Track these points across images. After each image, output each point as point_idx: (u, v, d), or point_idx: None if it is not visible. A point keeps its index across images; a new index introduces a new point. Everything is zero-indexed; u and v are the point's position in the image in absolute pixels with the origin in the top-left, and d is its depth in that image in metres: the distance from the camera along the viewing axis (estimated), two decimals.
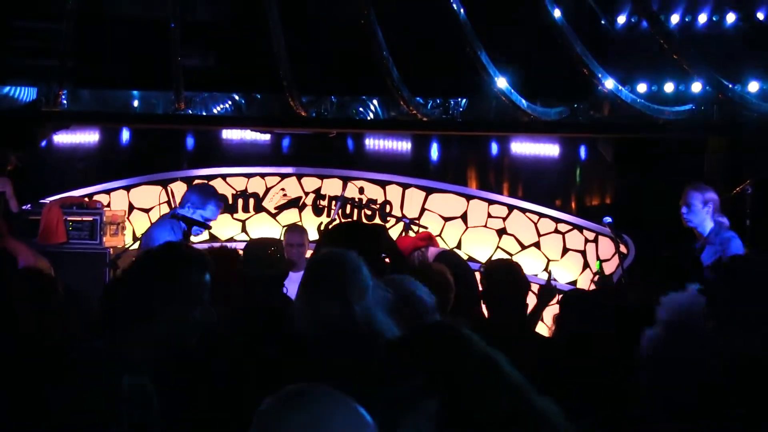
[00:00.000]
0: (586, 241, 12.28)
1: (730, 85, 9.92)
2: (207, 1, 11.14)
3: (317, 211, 12.24)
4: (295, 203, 12.30)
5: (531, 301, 7.23)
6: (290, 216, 12.22)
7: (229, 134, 12.41)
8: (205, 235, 10.98)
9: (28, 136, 11.60)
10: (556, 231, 12.33)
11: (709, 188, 9.16)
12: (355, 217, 12.06)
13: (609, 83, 10.06)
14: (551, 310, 7.05)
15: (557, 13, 9.97)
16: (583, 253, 12.26)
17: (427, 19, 10.68)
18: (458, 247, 11.84)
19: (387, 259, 6.84)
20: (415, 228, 10.76)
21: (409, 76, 10.11)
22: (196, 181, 11.56)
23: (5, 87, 10.95)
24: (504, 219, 12.31)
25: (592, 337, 5.51)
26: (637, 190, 11.86)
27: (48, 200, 10.73)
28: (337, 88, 11.19)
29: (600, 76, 10.02)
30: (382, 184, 12.28)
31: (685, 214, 9.15)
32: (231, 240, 11.91)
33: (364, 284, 4.80)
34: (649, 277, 7.32)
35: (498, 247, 12.25)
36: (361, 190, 12.12)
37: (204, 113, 11.51)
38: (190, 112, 11.23)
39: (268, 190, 12.29)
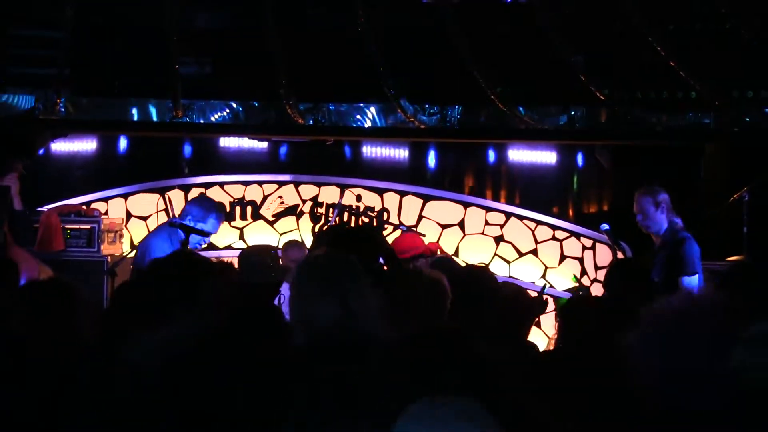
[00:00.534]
0: (584, 248, 12.29)
1: (729, 92, 9.95)
2: (205, 10, 11.13)
3: (315, 219, 12.24)
4: (292, 211, 12.29)
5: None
6: (288, 224, 12.23)
7: (227, 142, 12.41)
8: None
9: (26, 145, 11.60)
10: (554, 238, 12.34)
11: (660, 189, 9.14)
12: (352, 225, 12.06)
13: (606, 90, 10.08)
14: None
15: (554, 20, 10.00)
16: (581, 260, 12.27)
17: (424, 27, 10.71)
18: (456, 254, 11.83)
19: (384, 266, 6.86)
20: None
21: (406, 84, 10.12)
22: (194, 190, 11.60)
23: (3, 95, 10.96)
24: (501, 226, 12.32)
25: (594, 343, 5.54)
26: (634, 197, 11.87)
27: (46, 208, 10.74)
28: (335, 96, 11.19)
29: (598, 82, 10.04)
30: (380, 191, 12.28)
31: (642, 221, 9.10)
32: (229, 248, 11.90)
33: (362, 286, 4.80)
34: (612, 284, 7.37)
35: (495, 254, 12.25)
36: (359, 198, 12.14)
37: (202, 121, 11.52)
38: (187, 120, 11.23)
39: (265, 197, 12.29)
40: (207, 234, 9.32)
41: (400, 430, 2.54)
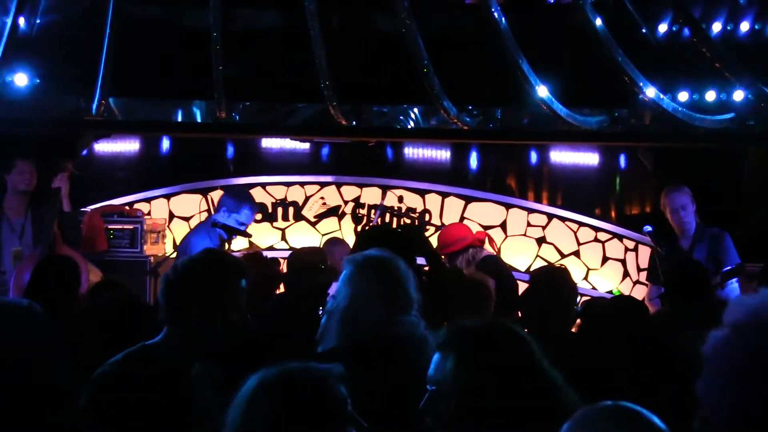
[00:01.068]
0: (626, 249, 12.24)
1: None
2: (248, 10, 11.15)
3: (356, 220, 12.25)
4: (334, 212, 12.31)
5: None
6: (329, 224, 12.24)
7: (269, 143, 12.44)
8: (245, 244, 11.04)
9: (70, 146, 11.66)
10: (596, 240, 12.30)
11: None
12: (394, 226, 12.05)
13: (650, 91, 10.03)
14: None
15: (598, 21, 9.95)
16: (623, 261, 12.23)
17: (468, 28, 10.69)
18: (498, 255, 11.81)
19: (426, 266, 6.85)
20: None
21: (449, 85, 10.10)
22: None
23: (47, 96, 11.01)
24: (543, 227, 12.29)
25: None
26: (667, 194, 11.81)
27: (89, 209, 10.79)
28: (377, 97, 11.19)
29: (641, 84, 9.99)
30: (422, 192, 12.28)
31: (684, 217, 9.42)
32: (271, 248, 11.93)
33: (412, 286, 4.81)
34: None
35: (537, 255, 12.23)
36: (401, 199, 12.14)
37: (244, 122, 11.54)
38: (230, 121, 11.25)
39: (307, 198, 12.31)
40: (246, 231, 9.40)
41: None
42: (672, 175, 11.67)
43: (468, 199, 12.26)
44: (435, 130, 11.44)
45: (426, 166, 12.47)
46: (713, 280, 8.37)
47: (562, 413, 2.77)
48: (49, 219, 9.50)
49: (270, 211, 12.20)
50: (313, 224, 12.30)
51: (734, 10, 10.49)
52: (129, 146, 12.44)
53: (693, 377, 2.77)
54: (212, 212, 10.86)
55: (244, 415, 2.99)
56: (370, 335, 4.69)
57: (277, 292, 8.08)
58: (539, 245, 12.26)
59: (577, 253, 12.25)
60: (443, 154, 12.52)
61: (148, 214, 11.60)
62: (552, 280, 6.75)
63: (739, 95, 10.26)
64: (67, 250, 9.18)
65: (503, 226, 12.25)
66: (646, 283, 10.74)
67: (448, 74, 10.10)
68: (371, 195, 12.26)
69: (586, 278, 12.14)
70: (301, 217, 12.30)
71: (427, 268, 6.81)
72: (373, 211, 12.10)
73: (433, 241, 9.40)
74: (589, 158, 12.40)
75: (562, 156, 12.41)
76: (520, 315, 7.15)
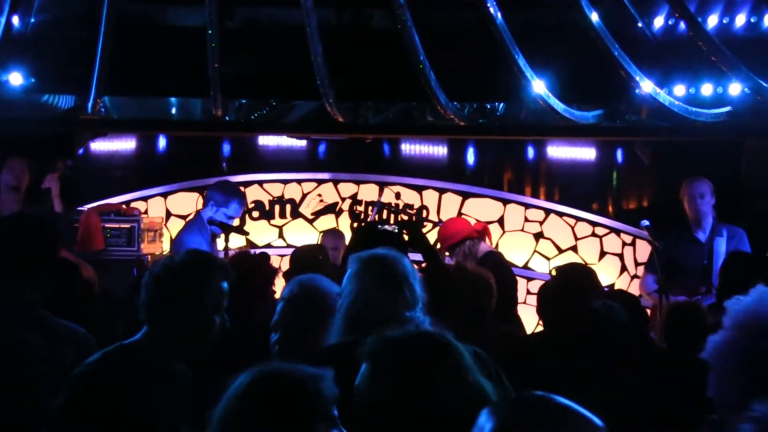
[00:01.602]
0: (624, 244, 12.25)
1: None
2: (244, 8, 11.13)
3: (354, 217, 12.25)
4: (331, 209, 12.31)
5: None
6: (327, 221, 12.23)
7: (266, 140, 12.43)
8: (242, 241, 11.04)
9: (65, 144, 11.64)
10: (594, 234, 12.30)
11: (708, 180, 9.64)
12: (392, 222, 12.05)
13: (646, 86, 10.01)
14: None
15: (594, 15, 9.93)
16: (621, 256, 12.23)
17: (463, 24, 10.67)
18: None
19: (424, 263, 6.84)
20: None
21: (446, 81, 10.08)
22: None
23: (43, 95, 11.00)
24: (541, 223, 12.29)
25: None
26: (674, 192, 11.80)
27: (86, 207, 10.77)
28: (374, 94, 11.17)
29: (637, 78, 9.97)
30: (419, 189, 12.28)
31: (701, 205, 9.36)
32: (268, 246, 11.92)
33: (418, 284, 4.79)
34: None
35: (535, 251, 12.22)
36: (398, 196, 12.14)
37: (241, 120, 11.53)
38: (227, 118, 11.24)
39: (304, 195, 12.30)
40: (243, 229, 9.42)
41: None
42: (669, 169, 11.69)
43: (465, 195, 12.26)
44: (432, 127, 11.43)
45: (423, 162, 12.47)
46: None
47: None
48: None
49: (267, 208, 12.20)
50: (311, 222, 12.29)
51: (730, 3, 10.47)
52: (125, 145, 12.43)
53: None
54: None
55: (226, 415, 3.00)
56: (375, 332, 4.68)
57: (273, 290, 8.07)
58: (537, 241, 12.26)
59: (574, 248, 12.25)
60: (440, 151, 12.52)
61: (145, 212, 11.61)
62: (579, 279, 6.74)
63: (735, 89, 10.24)
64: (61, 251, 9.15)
65: (501, 221, 12.25)
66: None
67: (445, 70, 10.07)
68: (368, 192, 12.25)
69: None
70: (299, 214, 12.30)
71: (424, 265, 6.80)
72: (370, 207, 12.10)
73: (431, 237, 9.39)
74: (586, 153, 12.41)
75: (559, 151, 12.42)
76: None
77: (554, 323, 6.21)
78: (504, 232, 12.23)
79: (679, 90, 10.49)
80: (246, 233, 10.01)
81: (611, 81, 10.21)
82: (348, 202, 12.30)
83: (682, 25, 10.30)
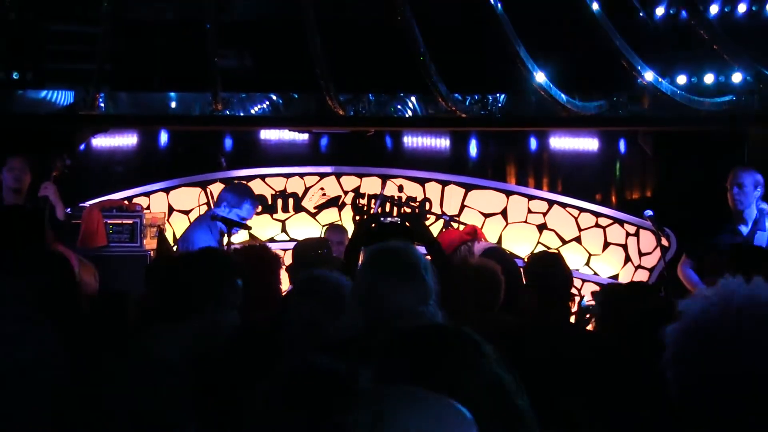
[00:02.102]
0: (627, 234, 12.22)
1: None
2: (243, 2, 11.11)
3: (357, 210, 12.22)
4: (334, 202, 12.29)
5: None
6: (330, 215, 12.21)
7: (267, 135, 12.41)
8: (245, 236, 11.01)
9: (66, 141, 11.61)
10: (597, 225, 12.27)
11: (758, 172, 9.04)
12: (395, 215, 12.03)
13: (648, 75, 9.99)
14: None
15: (595, 5, 9.90)
16: (625, 246, 12.20)
17: (464, 15, 10.64)
18: (499, 243, 11.78)
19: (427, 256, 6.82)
20: (455, 225, 10.71)
21: (446, 73, 10.06)
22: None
23: (43, 91, 10.97)
24: (544, 214, 12.27)
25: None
26: (678, 182, 11.79)
27: (88, 204, 10.74)
28: (375, 86, 11.14)
29: (639, 68, 9.94)
30: (422, 181, 12.25)
31: (737, 195, 8.95)
32: (271, 240, 11.90)
33: (430, 277, 4.77)
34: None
35: (539, 242, 12.20)
36: (401, 188, 12.11)
37: (242, 114, 11.50)
38: (227, 113, 11.21)
39: (307, 189, 12.28)
40: (246, 223, 9.38)
41: None
42: (672, 159, 11.67)
43: (468, 187, 12.23)
44: (433, 119, 11.39)
45: (425, 154, 12.44)
46: None
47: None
48: None
49: (270, 202, 12.18)
50: (314, 215, 12.27)
51: None
52: (127, 140, 12.40)
53: None
54: (212, 205, 10.83)
55: (264, 408, 3.00)
56: (389, 325, 4.65)
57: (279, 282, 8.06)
58: (540, 232, 12.23)
59: (578, 239, 12.22)
60: (443, 143, 12.49)
61: (147, 208, 11.56)
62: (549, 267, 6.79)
63: (737, 77, 10.21)
64: (62, 248, 9.13)
65: (504, 213, 12.22)
66: (648, 267, 10.69)
67: (446, 61, 10.05)
68: (371, 185, 12.23)
69: (587, 264, 12.11)
70: (301, 208, 12.28)
71: (428, 257, 6.77)
72: (373, 200, 12.08)
73: (435, 230, 9.37)
74: (589, 144, 12.37)
75: (561, 142, 12.38)
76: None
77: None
78: (507, 223, 12.21)
79: (682, 79, 10.46)
80: (248, 228, 9.99)
81: (613, 71, 10.18)
82: (351, 195, 12.27)
83: (684, 14, 10.27)
